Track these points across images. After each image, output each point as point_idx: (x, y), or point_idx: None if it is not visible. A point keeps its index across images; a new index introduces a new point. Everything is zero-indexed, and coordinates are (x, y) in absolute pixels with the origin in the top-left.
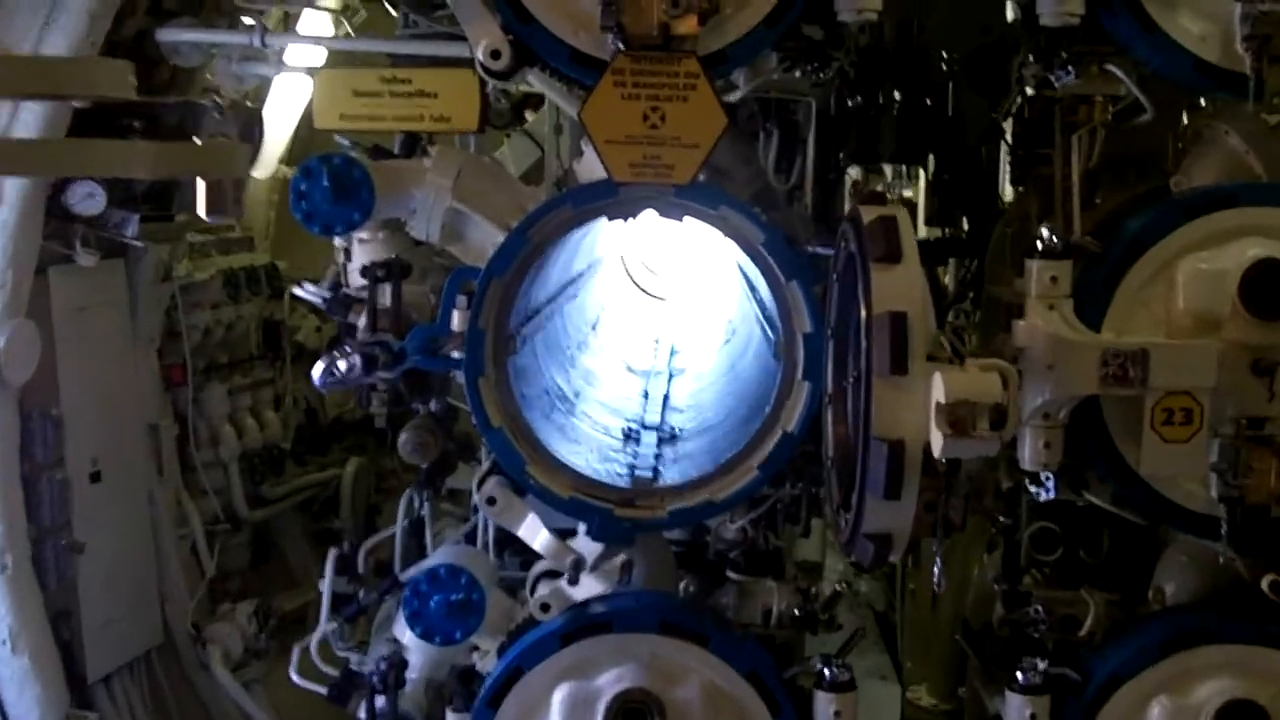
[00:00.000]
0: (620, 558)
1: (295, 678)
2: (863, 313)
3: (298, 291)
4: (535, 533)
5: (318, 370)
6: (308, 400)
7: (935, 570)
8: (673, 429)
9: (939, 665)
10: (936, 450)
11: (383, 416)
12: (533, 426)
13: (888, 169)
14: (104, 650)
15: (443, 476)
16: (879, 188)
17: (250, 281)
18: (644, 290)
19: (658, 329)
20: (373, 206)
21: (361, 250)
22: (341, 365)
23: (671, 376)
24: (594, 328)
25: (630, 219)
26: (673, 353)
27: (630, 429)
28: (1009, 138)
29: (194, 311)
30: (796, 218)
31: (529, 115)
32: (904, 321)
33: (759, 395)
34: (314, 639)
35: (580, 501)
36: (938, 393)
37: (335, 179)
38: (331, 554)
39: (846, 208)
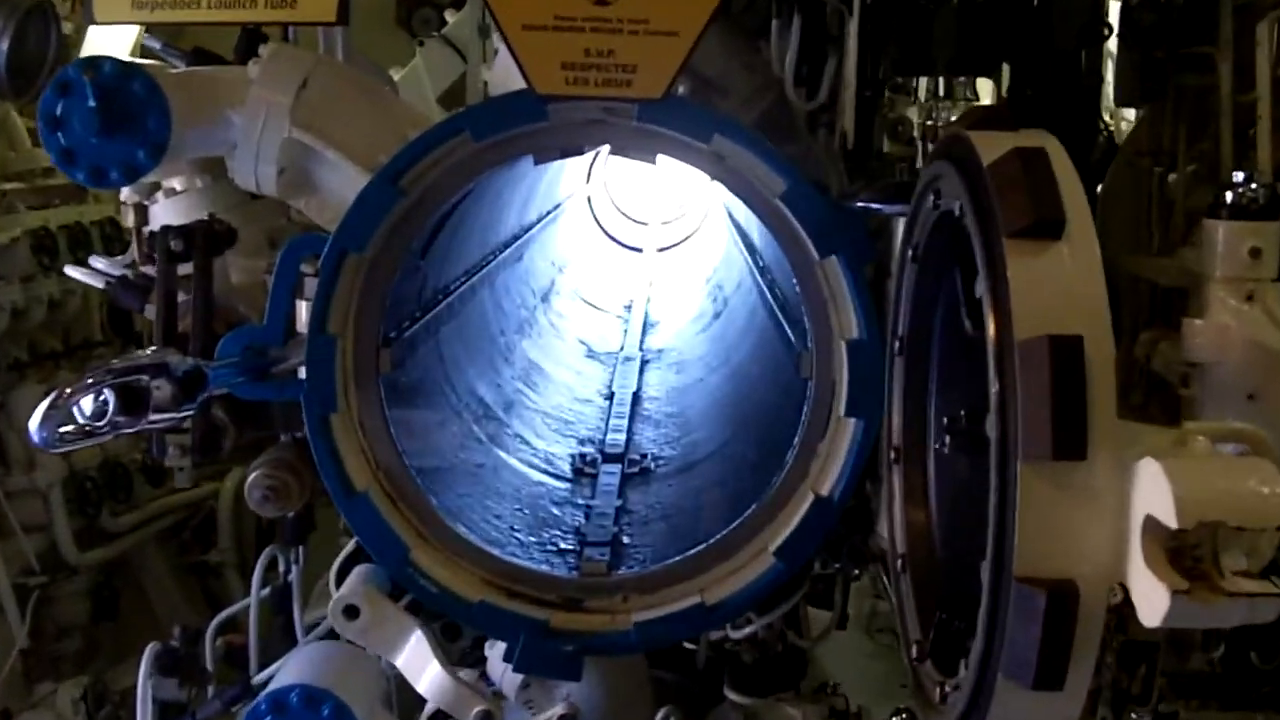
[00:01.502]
0: (559, 708)
1: None
2: (990, 332)
3: (70, 271)
4: (423, 664)
5: (35, 420)
6: None
7: None
8: (644, 458)
9: None
10: (1151, 617)
11: (186, 473)
12: (423, 483)
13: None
14: None
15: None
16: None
17: (76, 244)
18: (615, 239)
19: (630, 290)
20: (166, 139)
21: (169, 208)
22: (84, 407)
23: (645, 364)
24: (545, 298)
25: (569, 157)
26: (647, 326)
27: (584, 456)
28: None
29: None
30: (826, 156)
31: (449, 16)
32: (1078, 356)
33: (773, 418)
34: None
35: (495, 609)
36: (1159, 501)
37: (106, 97)
38: (149, 652)
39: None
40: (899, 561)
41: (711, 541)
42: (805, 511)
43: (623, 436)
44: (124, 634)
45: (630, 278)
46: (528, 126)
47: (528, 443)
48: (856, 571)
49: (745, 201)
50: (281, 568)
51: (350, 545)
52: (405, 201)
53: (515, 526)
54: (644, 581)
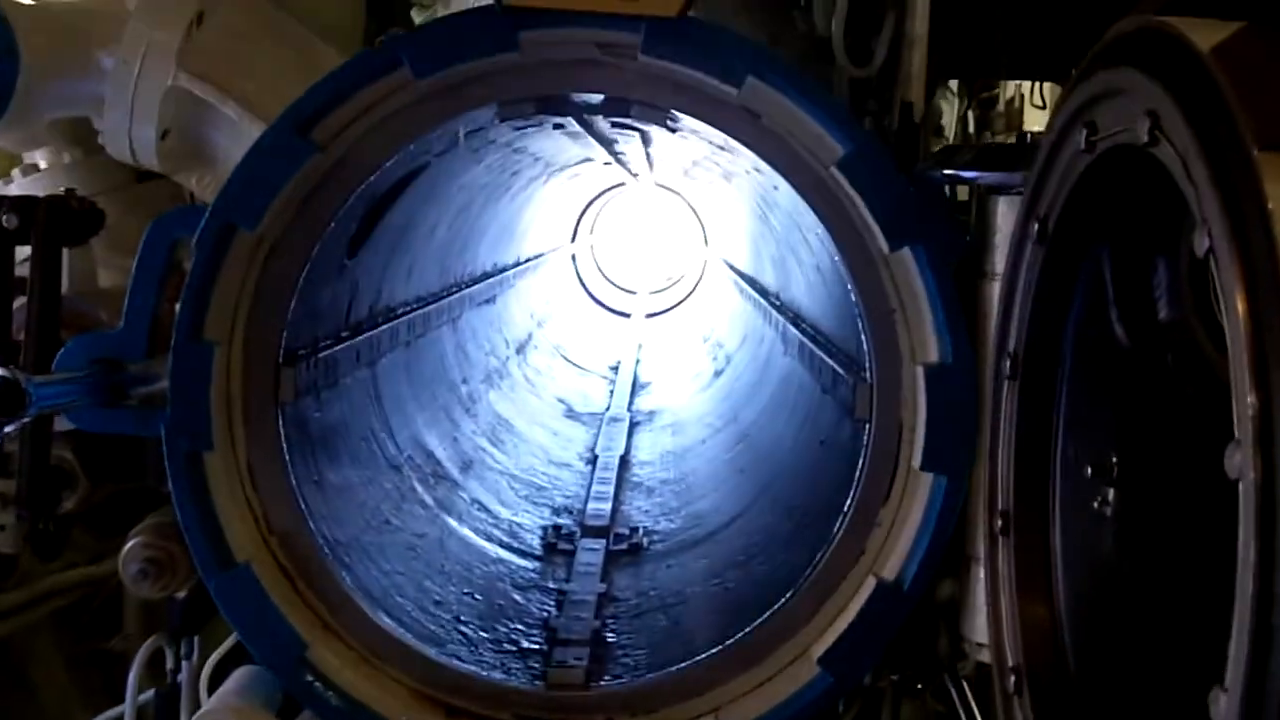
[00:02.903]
0: None
1: None
2: (1238, 311)
3: None
4: None
5: None
6: None
7: None
8: (633, 532)
9: None
10: None
11: (10, 534)
12: (337, 556)
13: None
14: None
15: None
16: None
17: None
18: (601, 304)
19: (618, 351)
20: (10, 87)
21: (25, 189)
22: None
23: (635, 425)
24: (521, 350)
25: (549, 114)
26: (636, 387)
27: (559, 529)
28: None
29: None
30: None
31: None
32: None
33: (810, 479)
34: None
35: None
36: None
37: None
38: None
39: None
40: (1011, 679)
41: (731, 643)
42: (864, 604)
43: (608, 506)
44: None
45: (617, 340)
46: (490, 60)
47: (488, 510)
48: (919, 685)
49: (785, 175)
50: (169, 664)
51: (232, 638)
52: (320, 160)
53: (462, 617)
54: (635, 697)
